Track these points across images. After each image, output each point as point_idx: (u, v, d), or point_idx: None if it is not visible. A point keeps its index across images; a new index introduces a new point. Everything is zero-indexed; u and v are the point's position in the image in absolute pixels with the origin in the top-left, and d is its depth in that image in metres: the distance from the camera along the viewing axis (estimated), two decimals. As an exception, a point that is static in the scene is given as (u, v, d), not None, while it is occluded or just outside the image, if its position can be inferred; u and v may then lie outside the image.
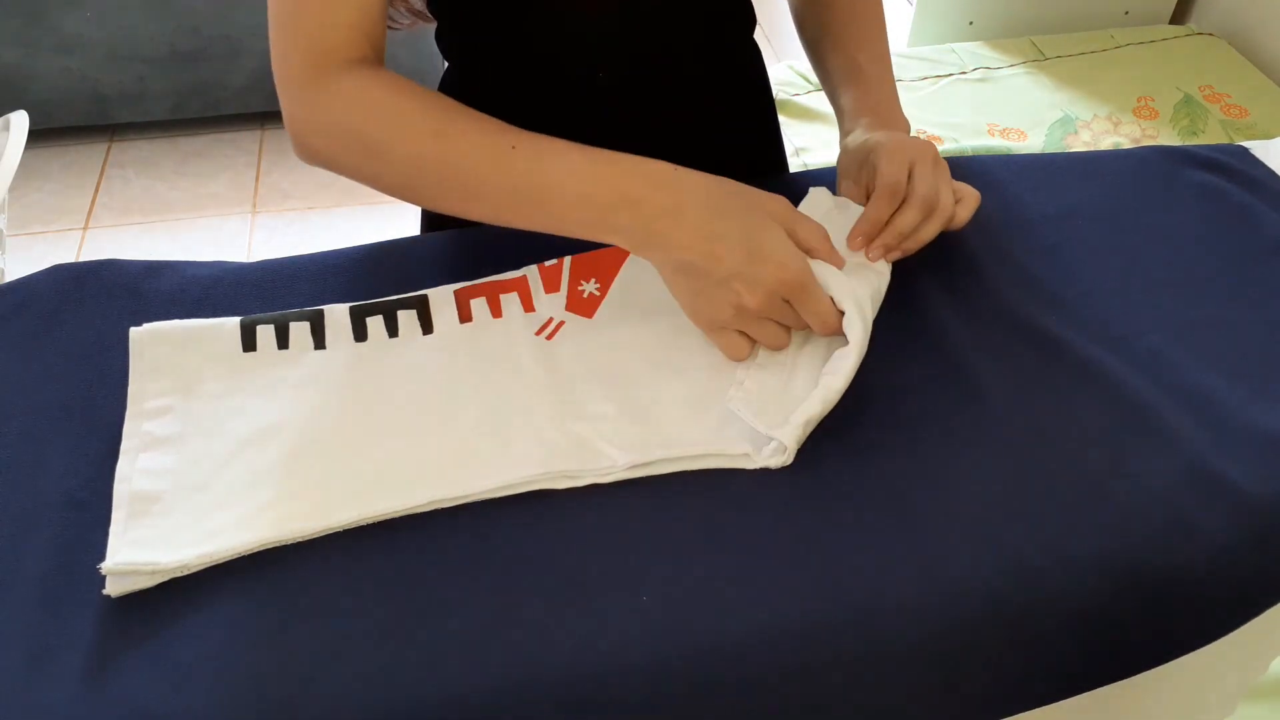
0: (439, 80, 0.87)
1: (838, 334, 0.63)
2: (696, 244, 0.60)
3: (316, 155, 0.67)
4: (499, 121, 0.65)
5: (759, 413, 0.60)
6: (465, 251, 0.74)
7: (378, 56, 0.68)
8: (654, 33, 0.79)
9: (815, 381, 0.61)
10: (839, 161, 0.78)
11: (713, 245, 0.60)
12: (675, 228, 0.61)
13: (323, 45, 0.65)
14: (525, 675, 0.50)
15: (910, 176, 0.70)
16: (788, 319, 0.63)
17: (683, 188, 0.62)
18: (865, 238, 0.69)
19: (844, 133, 0.79)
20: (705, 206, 0.61)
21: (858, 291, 0.63)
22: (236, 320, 0.66)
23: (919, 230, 0.69)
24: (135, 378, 0.63)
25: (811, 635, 0.53)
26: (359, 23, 0.66)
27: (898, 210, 0.69)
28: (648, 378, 0.64)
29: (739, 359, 0.64)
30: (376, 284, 0.70)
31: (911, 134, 0.77)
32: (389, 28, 0.83)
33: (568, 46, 0.78)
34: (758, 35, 0.87)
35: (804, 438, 0.60)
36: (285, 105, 0.66)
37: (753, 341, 0.64)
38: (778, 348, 0.64)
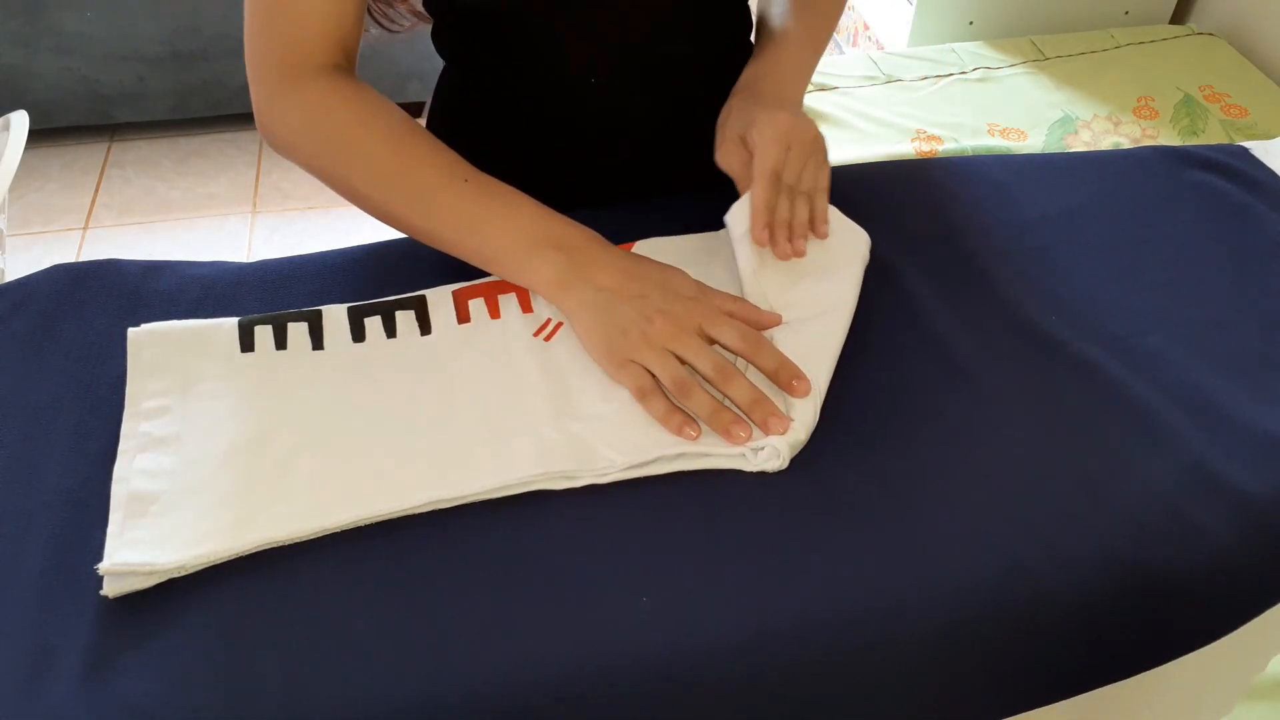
0: (436, 80, 0.87)
1: (754, 350, 0.61)
2: (616, 276, 0.64)
3: (281, 146, 0.71)
4: (457, 155, 0.68)
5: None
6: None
7: (349, 63, 0.71)
8: (649, 37, 0.79)
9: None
10: (718, 126, 0.75)
11: (630, 278, 0.64)
12: (600, 269, 0.65)
13: (296, 50, 0.68)
14: (524, 676, 0.50)
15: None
16: (699, 355, 0.61)
17: (612, 247, 0.67)
18: (767, 229, 0.68)
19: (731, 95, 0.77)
20: (628, 258, 0.66)
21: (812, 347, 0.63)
22: (234, 320, 0.66)
23: (797, 213, 0.70)
24: (133, 378, 0.63)
25: (811, 635, 0.53)
26: (333, 32, 0.68)
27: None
28: (647, 378, 0.64)
29: (641, 394, 0.61)
30: (375, 284, 0.70)
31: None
32: (390, 30, 0.83)
33: (563, 50, 0.77)
34: (755, 37, 0.87)
35: (800, 444, 0.60)
36: (254, 95, 0.70)
37: (654, 378, 0.61)
38: (676, 382, 0.60)
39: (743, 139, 0.72)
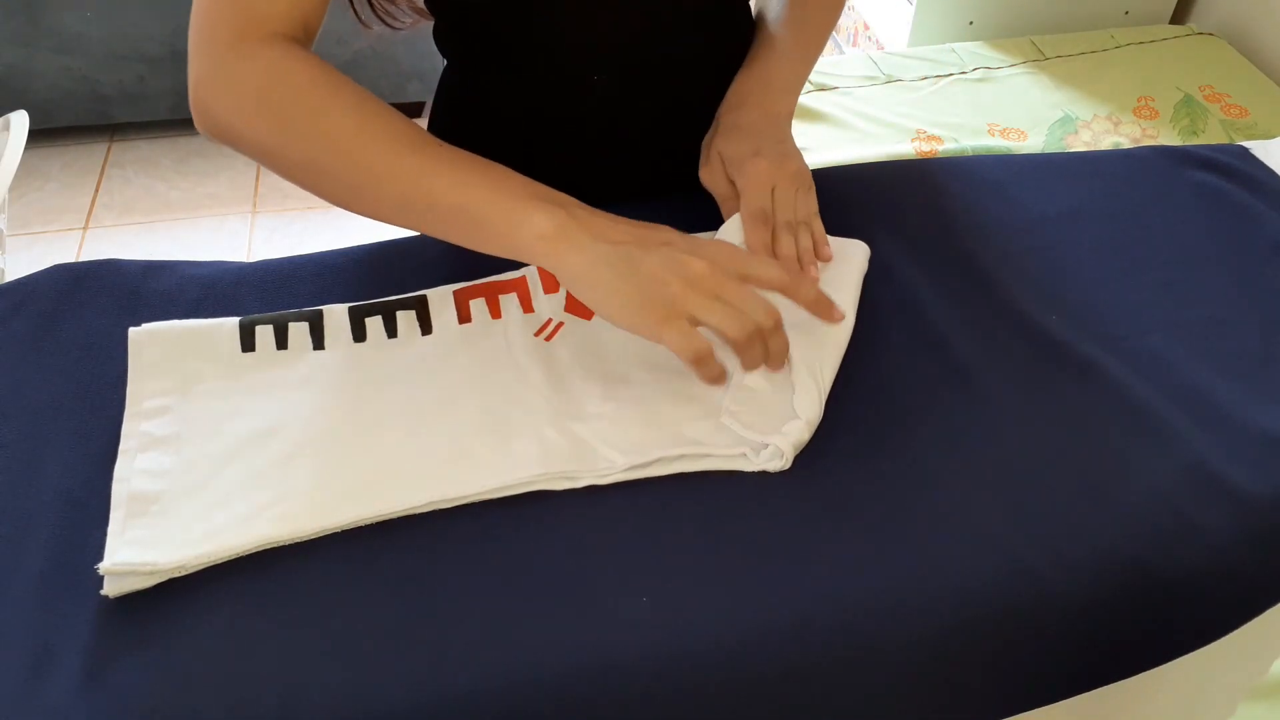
0: (438, 79, 0.87)
1: (793, 291, 0.61)
2: (626, 229, 0.58)
3: (217, 124, 0.63)
4: (421, 127, 0.63)
5: (751, 424, 0.60)
6: (464, 252, 0.74)
7: (308, 42, 0.66)
8: (650, 38, 0.79)
9: (807, 383, 0.61)
10: (703, 144, 0.76)
11: (644, 228, 0.59)
12: (605, 224, 0.58)
13: (256, 13, 0.62)
14: (524, 676, 0.50)
15: (773, 201, 0.70)
16: (740, 296, 0.57)
17: (604, 211, 0.61)
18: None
19: (720, 110, 0.77)
20: (628, 218, 0.61)
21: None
22: (235, 320, 0.66)
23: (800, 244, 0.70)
24: (134, 378, 0.63)
25: (811, 636, 0.53)
26: (299, 2, 0.64)
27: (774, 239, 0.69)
28: (646, 379, 0.64)
29: (699, 358, 0.56)
30: (376, 284, 0.70)
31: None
32: (391, 27, 0.83)
33: (563, 51, 0.78)
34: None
35: (803, 443, 0.60)
36: (196, 66, 0.63)
37: (702, 337, 0.56)
38: (739, 334, 0.56)
39: (725, 169, 0.73)
